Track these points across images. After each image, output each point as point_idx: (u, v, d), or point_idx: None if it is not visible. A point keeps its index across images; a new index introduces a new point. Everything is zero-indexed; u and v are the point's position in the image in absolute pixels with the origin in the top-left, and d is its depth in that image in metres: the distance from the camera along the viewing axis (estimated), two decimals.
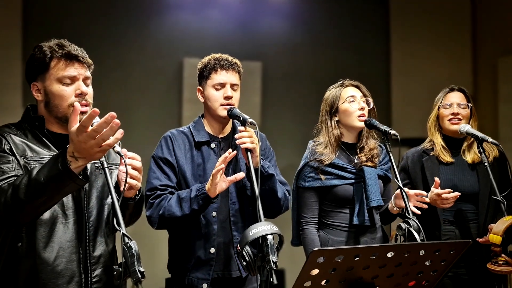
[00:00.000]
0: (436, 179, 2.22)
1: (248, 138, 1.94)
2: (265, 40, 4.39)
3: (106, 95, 3.67)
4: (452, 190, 2.20)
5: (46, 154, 1.62)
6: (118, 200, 1.52)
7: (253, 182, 1.82)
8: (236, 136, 1.97)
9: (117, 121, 1.40)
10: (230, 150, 1.96)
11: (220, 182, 1.93)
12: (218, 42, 4.21)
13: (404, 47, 4.55)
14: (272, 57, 4.39)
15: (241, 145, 1.95)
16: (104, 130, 1.40)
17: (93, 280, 1.65)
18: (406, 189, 2.05)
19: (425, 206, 2.12)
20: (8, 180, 1.53)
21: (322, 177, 2.24)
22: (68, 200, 1.61)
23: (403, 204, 2.04)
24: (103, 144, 1.42)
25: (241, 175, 1.96)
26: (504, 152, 2.39)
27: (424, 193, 2.12)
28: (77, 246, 1.63)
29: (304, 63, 4.51)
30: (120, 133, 1.44)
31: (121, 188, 1.61)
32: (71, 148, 1.45)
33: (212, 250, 2.03)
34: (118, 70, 3.95)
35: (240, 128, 1.97)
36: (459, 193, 2.20)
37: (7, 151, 1.59)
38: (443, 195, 2.18)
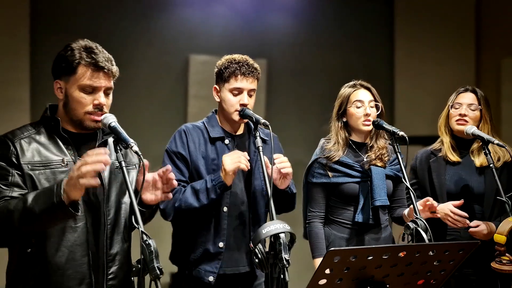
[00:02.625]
0: (462, 200, 2.27)
1: (287, 163, 2.03)
2: (270, 37, 4.40)
3: (113, 91, 3.68)
4: (466, 214, 2.24)
5: (54, 160, 1.65)
6: (136, 198, 1.54)
7: (267, 185, 1.86)
8: (276, 161, 2.01)
9: (105, 161, 1.47)
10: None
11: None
12: (224, 39, 4.24)
13: (409, 47, 4.55)
14: (277, 55, 4.40)
15: (282, 170, 2.01)
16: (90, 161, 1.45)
17: (109, 277, 1.69)
18: (419, 205, 2.09)
19: (437, 215, 2.21)
20: (1, 201, 1.56)
21: (330, 173, 2.29)
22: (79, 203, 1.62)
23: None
24: (80, 176, 1.45)
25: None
26: (510, 153, 2.42)
27: (430, 199, 2.18)
28: (87, 249, 1.66)
29: (309, 61, 4.52)
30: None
31: (143, 195, 1.68)
32: (65, 179, 1.50)
33: (221, 244, 2.07)
34: (125, 66, 3.87)
35: (277, 155, 2.02)
36: (468, 222, 2.24)
37: (11, 160, 1.60)
38: (456, 217, 2.23)
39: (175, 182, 1.67)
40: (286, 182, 2.05)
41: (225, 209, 2.08)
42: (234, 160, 1.99)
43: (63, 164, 1.65)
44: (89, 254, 1.66)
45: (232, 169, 1.99)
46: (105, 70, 1.66)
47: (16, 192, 1.58)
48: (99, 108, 1.66)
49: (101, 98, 1.66)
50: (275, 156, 1.99)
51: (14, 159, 1.61)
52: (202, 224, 2.08)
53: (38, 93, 3.76)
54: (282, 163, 2.01)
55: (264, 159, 1.95)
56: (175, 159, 2.11)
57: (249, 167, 2.03)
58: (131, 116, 3.87)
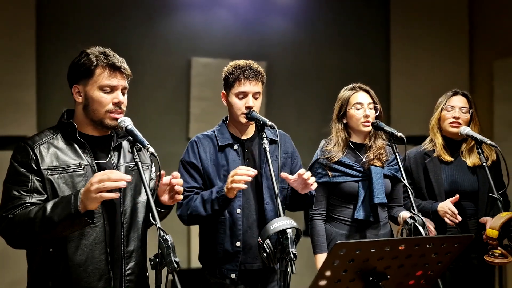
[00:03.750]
0: (457, 196, 2.33)
1: (313, 178, 2.07)
2: (270, 40, 4.43)
3: None
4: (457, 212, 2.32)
5: (72, 164, 1.71)
6: (152, 197, 1.63)
7: (274, 184, 1.94)
8: (305, 177, 2.03)
9: (127, 180, 1.57)
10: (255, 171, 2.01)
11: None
12: (225, 42, 4.28)
13: (404, 48, 4.59)
14: (277, 57, 4.42)
15: (310, 185, 2.05)
16: (113, 179, 1.53)
17: (126, 272, 1.77)
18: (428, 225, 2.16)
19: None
20: (20, 208, 1.64)
21: (330, 173, 2.37)
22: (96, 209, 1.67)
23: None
24: (101, 189, 1.53)
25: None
26: (501, 153, 2.51)
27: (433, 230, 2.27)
28: (105, 247, 1.73)
29: (307, 63, 4.56)
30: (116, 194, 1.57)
31: (160, 197, 1.78)
32: (83, 189, 1.57)
33: (238, 244, 2.15)
34: (128, 68, 4.01)
35: (302, 171, 2.04)
36: (460, 218, 2.31)
37: (31, 166, 1.67)
38: (452, 217, 2.30)
39: (179, 188, 1.76)
40: (307, 190, 2.10)
41: (238, 211, 2.16)
42: (234, 179, 1.98)
43: (80, 168, 1.72)
44: (107, 252, 1.73)
45: (232, 190, 2.00)
46: (122, 70, 1.74)
47: (35, 198, 1.65)
48: (118, 106, 1.74)
49: (120, 96, 1.74)
50: (301, 172, 2.03)
51: (34, 165, 1.67)
52: (219, 226, 2.17)
53: (44, 95, 3.79)
54: (310, 179, 2.05)
55: (281, 174, 2.03)
56: (189, 168, 2.20)
57: (245, 185, 2.01)
58: (135, 117, 3.84)
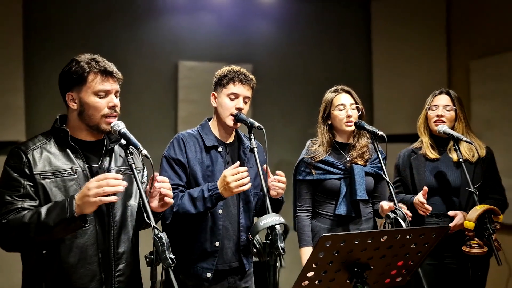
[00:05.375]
0: (425, 188, 2.39)
1: (282, 184, 2.14)
2: (254, 43, 4.48)
3: None
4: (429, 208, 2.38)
5: (64, 169, 1.73)
6: (146, 198, 1.66)
7: (263, 183, 2.00)
8: (276, 178, 2.11)
9: (125, 185, 1.62)
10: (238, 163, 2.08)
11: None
12: (211, 46, 4.34)
13: (384, 49, 4.66)
14: (261, 59, 4.47)
15: (272, 191, 2.11)
16: (111, 182, 1.58)
17: (117, 274, 1.80)
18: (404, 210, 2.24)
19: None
20: (13, 212, 1.66)
21: (313, 171, 2.46)
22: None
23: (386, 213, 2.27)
24: (100, 194, 1.57)
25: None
26: (477, 149, 2.56)
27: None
28: (96, 249, 1.75)
29: (292, 65, 4.62)
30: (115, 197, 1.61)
31: (148, 202, 1.77)
32: (78, 194, 1.62)
33: (217, 243, 2.19)
34: (119, 72, 4.01)
35: (279, 172, 2.11)
36: (430, 208, 2.38)
37: (24, 171, 1.69)
38: (424, 206, 2.38)
39: (166, 192, 1.77)
40: (278, 195, 2.19)
41: (220, 211, 2.21)
42: (238, 183, 2.02)
43: (72, 172, 1.74)
44: (98, 254, 1.76)
45: (237, 191, 2.05)
46: (114, 74, 1.78)
47: (27, 203, 1.68)
48: (113, 109, 1.78)
49: (114, 99, 1.78)
50: (278, 172, 2.11)
51: (27, 170, 1.69)
52: (200, 225, 2.20)
53: (32, 100, 3.80)
54: (278, 182, 2.12)
55: (264, 166, 2.08)
56: (174, 165, 2.19)
57: (250, 183, 2.06)
58: (123, 120, 3.90)
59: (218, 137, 2.28)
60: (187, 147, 2.22)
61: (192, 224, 2.20)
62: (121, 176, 1.65)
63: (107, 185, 1.59)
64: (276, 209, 2.28)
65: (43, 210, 1.63)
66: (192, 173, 2.21)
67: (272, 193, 2.15)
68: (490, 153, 2.59)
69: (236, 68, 2.26)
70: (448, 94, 2.62)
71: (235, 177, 2.03)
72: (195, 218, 2.17)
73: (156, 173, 1.77)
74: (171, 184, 2.16)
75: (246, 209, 2.28)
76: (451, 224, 2.40)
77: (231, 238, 2.23)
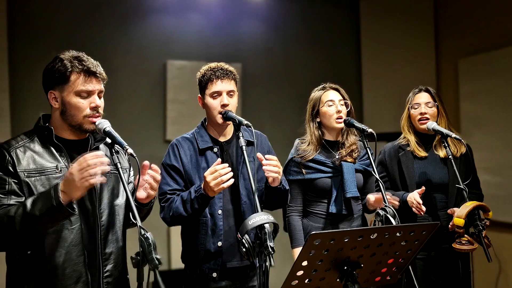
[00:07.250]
0: (423, 187, 2.40)
1: (275, 167, 2.07)
2: (243, 42, 4.47)
3: None
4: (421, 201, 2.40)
5: (49, 167, 1.71)
6: (132, 198, 1.64)
7: (251, 180, 1.96)
8: (264, 163, 2.06)
9: (105, 161, 1.59)
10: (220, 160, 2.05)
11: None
12: (199, 45, 4.32)
13: (373, 48, 4.68)
14: (250, 59, 4.47)
15: (266, 173, 2.06)
16: (94, 162, 1.55)
17: (105, 275, 1.78)
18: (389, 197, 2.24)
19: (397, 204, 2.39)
20: None
21: (304, 171, 2.44)
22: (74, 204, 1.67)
23: (375, 206, 2.27)
24: (85, 178, 1.55)
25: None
26: (470, 147, 2.60)
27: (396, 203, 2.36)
28: (82, 249, 1.73)
29: (281, 64, 4.62)
30: (102, 178, 1.58)
31: (137, 192, 1.79)
32: (62, 182, 1.58)
33: (220, 243, 2.19)
34: (104, 72, 3.98)
35: (269, 156, 2.07)
36: (425, 209, 2.39)
37: (7, 168, 1.66)
38: (420, 206, 2.38)
39: (153, 184, 1.79)
40: (276, 182, 2.13)
41: (219, 212, 2.20)
42: (217, 182, 2.00)
43: (57, 171, 1.71)
44: (84, 254, 1.73)
45: (218, 190, 2.02)
46: (97, 75, 1.74)
47: (13, 200, 1.65)
48: (96, 110, 1.75)
49: (96, 100, 1.75)
50: (267, 157, 2.08)
51: (10, 168, 1.67)
52: (201, 227, 2.21)
53: (17, 100, 3.75)
54: (269, 165, 2.07)
55: (257, 154, 2.07)
56: (170, 171, 2.22)
57: (233, 179, 2.03)
58: (112, 120, 3.87)
59: (214, 137, 2.28)
60: (181, 152, 2.24)
61: (193, 226, 2.22)
62: (101, 153, 1.62)
63: (88, 166, 1.56)
64: (280, 200, 2.25)
65: (28, 201, 1.60)
66: (188, 177, 2.23)
67: (268, 179, 2.12)
68: (469, 148, 2.62)
69: (213, 65, 2.24)
70: (427, 91, 2.65)
71: (213, 175, 2.01)
72: (191, 220, 2.17)
73: (147, 162, 1.75)
74: (169, 190, 2.20)
75: (249, 205, 2.26)
76: (450, 224, 2.41)
77: (235, 237, 2.22)
